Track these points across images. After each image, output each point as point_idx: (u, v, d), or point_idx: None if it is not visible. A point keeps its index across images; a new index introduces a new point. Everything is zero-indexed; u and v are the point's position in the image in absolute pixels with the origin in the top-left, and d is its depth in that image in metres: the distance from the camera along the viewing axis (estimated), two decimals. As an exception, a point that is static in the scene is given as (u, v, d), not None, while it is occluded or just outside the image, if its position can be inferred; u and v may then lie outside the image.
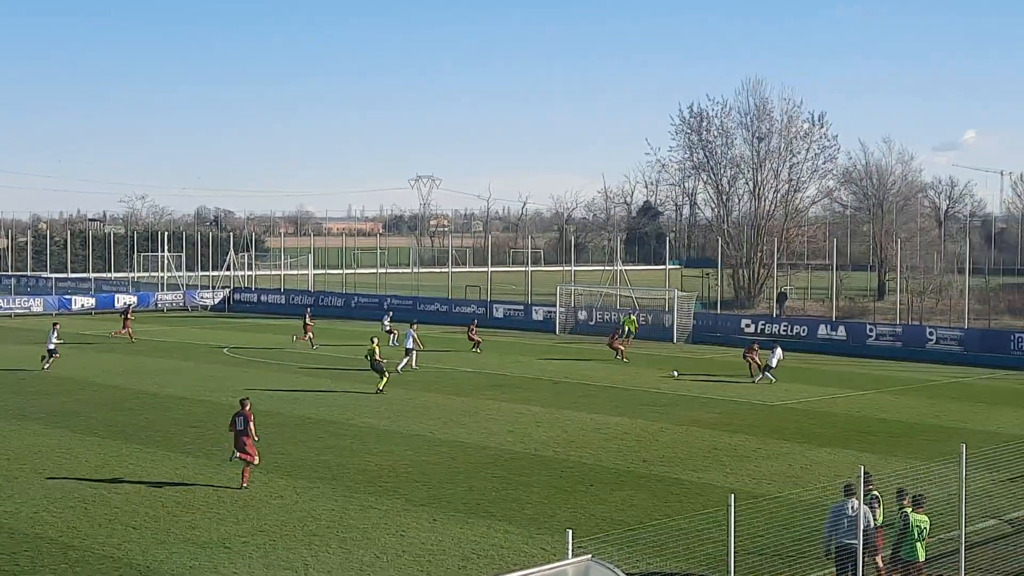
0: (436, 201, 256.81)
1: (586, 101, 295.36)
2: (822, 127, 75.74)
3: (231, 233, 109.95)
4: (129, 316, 54.80)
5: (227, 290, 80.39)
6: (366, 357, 37.70)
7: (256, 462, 23.20)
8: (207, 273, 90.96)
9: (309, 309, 57.10)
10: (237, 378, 40.21)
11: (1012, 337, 48.90)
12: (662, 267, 68.72)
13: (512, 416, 32.12)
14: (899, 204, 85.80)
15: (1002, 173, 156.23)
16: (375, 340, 38.50)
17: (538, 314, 63.04)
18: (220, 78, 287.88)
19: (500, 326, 62.25)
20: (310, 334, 51.71)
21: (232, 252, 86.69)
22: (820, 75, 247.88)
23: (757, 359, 41.30)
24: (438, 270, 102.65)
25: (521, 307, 65.10)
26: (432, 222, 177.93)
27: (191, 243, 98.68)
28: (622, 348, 47.47)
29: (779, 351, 41.55)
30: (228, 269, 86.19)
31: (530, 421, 31.31)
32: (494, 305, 66.14)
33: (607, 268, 74.55)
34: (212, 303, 78.30)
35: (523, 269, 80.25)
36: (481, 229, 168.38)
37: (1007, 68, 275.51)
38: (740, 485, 23.34)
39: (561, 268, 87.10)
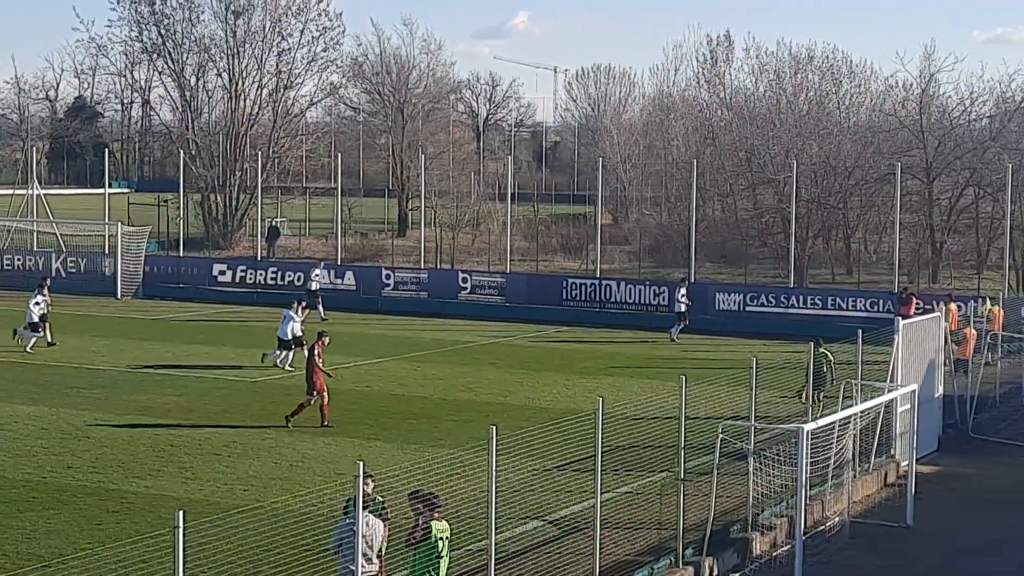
0: None
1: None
2: (320, 1, 77.37)
3: None
4: None
5: None
6: None
7: None
8: None
9: None
10: None
11: (564, 283, 52.67)
12: (101, 191, 67.32)
13: None
14: (426, 109, 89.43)
15: (556, 70, 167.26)
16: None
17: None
18: None
19: None
20: None
21: None
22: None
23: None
24: None
25: None
26: None
27: None
28: None
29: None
30: None
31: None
32: None
33: (19, 192, 71.89)
34: None
35: None
36: None
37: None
38: (205, 494, 23.64)
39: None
